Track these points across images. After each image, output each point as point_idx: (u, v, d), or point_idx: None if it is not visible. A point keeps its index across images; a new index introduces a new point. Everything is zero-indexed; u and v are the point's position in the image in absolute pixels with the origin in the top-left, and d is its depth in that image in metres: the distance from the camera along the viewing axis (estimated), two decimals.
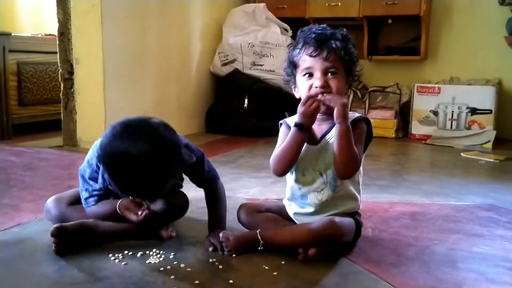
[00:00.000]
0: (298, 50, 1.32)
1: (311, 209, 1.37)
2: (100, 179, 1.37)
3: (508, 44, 3.39)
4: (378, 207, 1.81)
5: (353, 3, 3.69)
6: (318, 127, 1.35)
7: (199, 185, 1.46)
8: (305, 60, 1.31)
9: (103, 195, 1.40)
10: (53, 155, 2.70)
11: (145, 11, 3.08)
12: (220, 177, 1.49)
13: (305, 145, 1.33)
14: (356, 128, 1.32)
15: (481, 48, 3.69)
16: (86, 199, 1.40)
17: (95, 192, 1.39)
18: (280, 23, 3.78)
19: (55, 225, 1.32)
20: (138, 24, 3.05)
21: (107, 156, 1.17)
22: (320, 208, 1.36)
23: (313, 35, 1.30)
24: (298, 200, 1.40)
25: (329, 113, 1.30)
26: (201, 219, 1.52)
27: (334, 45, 1.29)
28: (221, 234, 1.32)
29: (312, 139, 1.35)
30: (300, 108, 1.28)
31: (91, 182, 1.39)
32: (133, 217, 1.35)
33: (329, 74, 1.29)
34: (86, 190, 1.40)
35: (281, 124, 1.42)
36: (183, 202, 1.51)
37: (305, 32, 1.33)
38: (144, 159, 1.12)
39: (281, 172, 1.34)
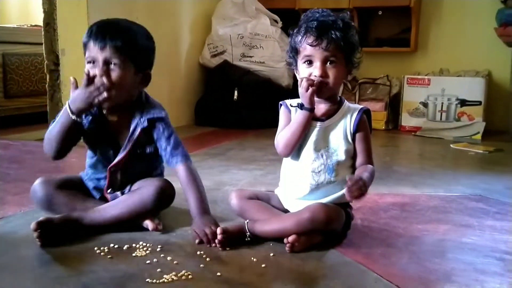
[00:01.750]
0: (300, 37, 1.34)
1: (305, 191, 1.37)
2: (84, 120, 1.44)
3: (498, 35, 3.38)
4: (368, 198, 1.80)
5: None
6: (316, 108, 1.37)
7: (168, 160, 1.44)
8: (306, 48, 1.33)
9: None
10: (39, 148, 2.62)
11: (132, 1, 3.03)
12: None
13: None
14: (363, 130, 1.37)
15: (471, 39, 3.69)
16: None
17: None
18: (270, 14, 3.75)
19: (40, 219, 1.29)
20: (125, 14, 2.96)
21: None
22: (314, 191, 1.36)
23: (315, 23, 1.31)
24: (293, 181, 1.40)
25: (326, 97, 1.36)
26: (188, 211, 1.49)
27: (334, 36, 1.30)
28: (208, 231, 1.31)
29: (314, 117, 1.38)
30: (299, 90, 1.33)
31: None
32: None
33: (329, 63, 1.32)
34: None
35: (281, 105, 1.44)
36: (169, 189, 1.45)
37: (308, 18, 1.34)
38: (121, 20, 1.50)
39: (289, 152, 1.37)
